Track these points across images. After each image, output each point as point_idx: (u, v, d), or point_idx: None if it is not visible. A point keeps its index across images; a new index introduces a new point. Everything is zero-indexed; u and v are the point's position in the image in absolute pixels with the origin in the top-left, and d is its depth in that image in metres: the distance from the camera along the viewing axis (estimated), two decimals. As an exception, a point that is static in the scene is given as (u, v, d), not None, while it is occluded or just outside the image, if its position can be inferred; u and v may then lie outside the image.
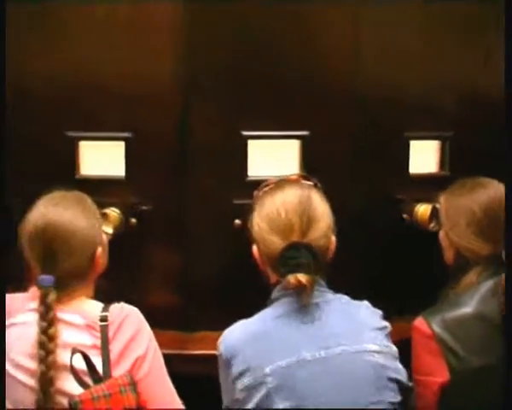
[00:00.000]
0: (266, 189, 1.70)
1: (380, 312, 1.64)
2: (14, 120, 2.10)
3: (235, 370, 1.53)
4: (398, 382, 1.55)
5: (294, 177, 1.78)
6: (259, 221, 1.61)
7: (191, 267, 2.12)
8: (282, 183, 1.69)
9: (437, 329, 1.62)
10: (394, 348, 1.58)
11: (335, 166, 2.10)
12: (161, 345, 1.68)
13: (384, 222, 2.16)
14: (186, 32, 2.03)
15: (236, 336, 1.57)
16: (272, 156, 2.13)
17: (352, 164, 2.14)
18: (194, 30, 2.03)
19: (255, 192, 1.73)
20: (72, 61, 2.07)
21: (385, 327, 1.60)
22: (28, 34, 2.09)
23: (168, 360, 1.68)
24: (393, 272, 2.12)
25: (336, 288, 1.65)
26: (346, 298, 1.63)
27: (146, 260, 2.14)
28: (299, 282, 1.51)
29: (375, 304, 1.66)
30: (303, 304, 1.55)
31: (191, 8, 2.01)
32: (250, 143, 2.08)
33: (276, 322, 1.56)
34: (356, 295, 1.66)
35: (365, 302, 1.65)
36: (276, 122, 2.09)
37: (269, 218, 1.58)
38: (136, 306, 1.67)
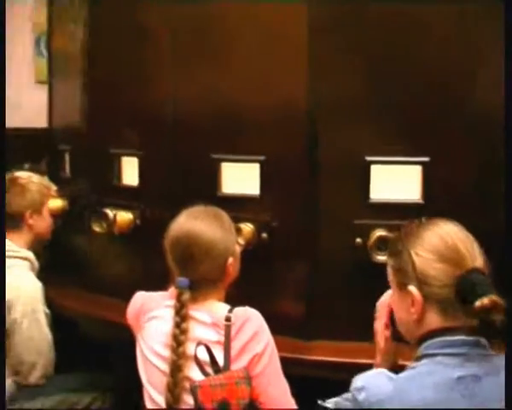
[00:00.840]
0: (415, 226, 1.54)
1: None
2: (169, 141, 2.45)
3: None
4: None
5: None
6: (423, 253, 1.46)
7: (314, 281, 2.27)
8: (429, 220, 1.55)
9: None
10: None
11: (457, 193, 2.14)
12: (279, 350, 1.83)
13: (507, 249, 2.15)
14: (314, 61, 2.21)
15: (385, 392, 1.39)
16: (394, 181, 2.22)
17: (474, 191, 2.17)
18: (322, 59, 2.21)
19: (403, 231, 1.56)
20: (216, 90, 2.37)
21: None
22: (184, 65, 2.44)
23: (285, 363, 1.83)
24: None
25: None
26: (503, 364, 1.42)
27: (274, 272, 2.32)
28: (495, 303, 1.32)
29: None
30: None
31: (320, 39, 2.20)
32: (373, 167, 2.19)
33: (433, 390, 1.36)
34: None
35: None
36: (399, 148, 2.19)
37: (435, 248, 1.45)
38: (260, 311, 1.83)
